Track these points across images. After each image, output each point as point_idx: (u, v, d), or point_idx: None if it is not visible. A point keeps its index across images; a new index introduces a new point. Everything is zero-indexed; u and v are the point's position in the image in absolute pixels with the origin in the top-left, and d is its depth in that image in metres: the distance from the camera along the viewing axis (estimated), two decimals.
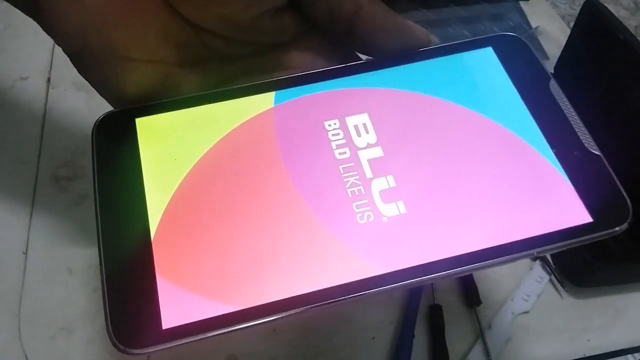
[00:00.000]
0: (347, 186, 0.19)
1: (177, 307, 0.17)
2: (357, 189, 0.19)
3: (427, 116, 0.21)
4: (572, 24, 0.41)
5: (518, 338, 0.34)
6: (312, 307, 0.17)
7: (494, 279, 0.36)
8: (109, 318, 0.17)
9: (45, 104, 0.41)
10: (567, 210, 0.19)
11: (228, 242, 0.18)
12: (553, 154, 0.20)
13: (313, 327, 0.33)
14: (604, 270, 0.34)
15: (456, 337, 0.33)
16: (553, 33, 0.49)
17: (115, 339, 0.16)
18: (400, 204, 0.19)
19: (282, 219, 0.19)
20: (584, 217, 0.19)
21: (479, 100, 0.21)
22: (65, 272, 0.34)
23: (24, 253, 0.35)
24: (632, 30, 0.36)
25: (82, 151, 0.39)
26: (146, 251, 0.18)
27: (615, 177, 0.19)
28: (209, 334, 0.17)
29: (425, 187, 0.19)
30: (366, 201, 0.19)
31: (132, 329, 0.17)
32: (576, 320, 0.35)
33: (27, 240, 0.35)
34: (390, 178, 0.19)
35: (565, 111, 0.21)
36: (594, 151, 0.20)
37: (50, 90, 0.42)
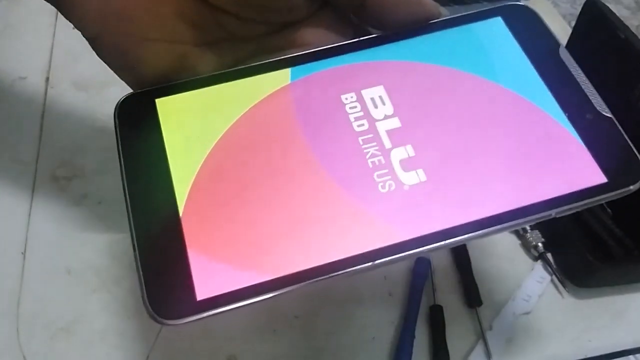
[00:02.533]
0: (367, 157, 0.20)
1: (209, 278, 0.17)
2: (378, 159, 0.20)
3: (441, 86, 0.21)
4: (573, 23, 0.41)
5: (519, 339, 0.34)
6: (340, 274, 0.18)
7: (495, 280, 0.36)
8: (144, 291, 0.17)
9: (44, 104, 0.41)
10: (582, 171, 0.19)
11: (254, 214, 0.19)
12: (566, 118, 0.20)
13: (313, 327, 0.33)
14: (605, 270, 0.34)
15: (457, 338, 0.33)
16: (554, 32, 0.49)
17: (152, 311, 0.17)
18: (420, 172, 0.19)
19: (307, 191, 0.19)
20: (598, 177, 0.19)
21: (491, 68, 0.22)
22: (64, 272, 0.34)
23: (22, 253, 0.35)
24: (633, 29, 0.36)
25: (81, 151, 0.39)
26: (176, 226, 0.18)
27: (627, 138, 0.20)
28: (242, 303, 0.17)
29: (443, 154, 0.20)
30: (387, 170, 0.19)
31: (168, 301, 0.17)
32: (577, 320, 0.35)
33: (26, 240, 0.35)
34: (409, 147, 0.20)
35: (575, 76, 0.21)
36: (605, 113, 0.20)
37: (49, 89, 0.42)
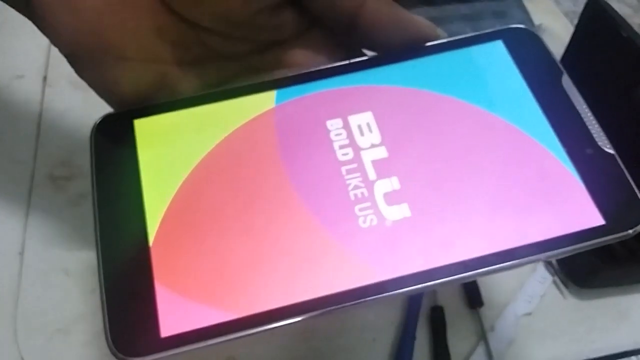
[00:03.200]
0: (349, 188, 0.19)
1: (176, 314, 0.17)
2: (360, 192, 0.19)
3: (434, 114, 0.20)
4: (575, 21, 0.41)
5: (521, 340, 0.33)
6: (313, 315, 0.17)
7: (496, 281, 0.36)
8: (107, 326, 0.16)
9: (42, 103, 0.41)
10: (579, 212, 0.18)
11: (228, 248, 0.18)
12: (565, 153, 0.19)
13: (313, 328, 0.33)
14: (607, 271, 0.34)
15: (458, 339, 0.33)
16: (556, 31, 0.49)
17: (113, 347, 0.16)
18: (405, 206, 0.18)
19: (283, 224, 0.18)
20: (596, 219, 0.18)
21: (488, 97, 0.20)
22: (61, 273, 0.34)
23: (20, 254, 0.34)
24: (635, 27, 0.35)
25: (78, 150, 0.39)
26: (144, 257, 0.17)
27: (629, 178, 0.19)
28: (208, 342, 0.16)
29: (431, 189, 0.19)
30: (369, 204, 0.18)
31: (131, 337, 0.16)
32: (580, 321, 0.35)
33: (23, 240, 0.35)
34: (395, 180, 0.19)
35: (577, 108, 0.20)
36: (607, 150, 0.19)
37: (46, 88, 0.42)
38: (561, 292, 0.35)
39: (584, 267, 0.34)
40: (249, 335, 0.16)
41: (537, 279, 0.35)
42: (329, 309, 0.17)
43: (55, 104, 0.41)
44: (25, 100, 0.41)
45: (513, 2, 0.50)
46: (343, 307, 0.17)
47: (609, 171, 0.19)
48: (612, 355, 0.33)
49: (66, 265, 0.34)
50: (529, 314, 0.34)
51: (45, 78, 0.42)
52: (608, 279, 0.35)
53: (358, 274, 0.17)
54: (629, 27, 0.35)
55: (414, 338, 0.32)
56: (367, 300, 0.17)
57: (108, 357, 0.31)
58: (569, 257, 0.36)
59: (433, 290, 0.34)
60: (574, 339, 0.34)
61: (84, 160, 0.40)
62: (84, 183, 0.37)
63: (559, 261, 0.36)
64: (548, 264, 0.36)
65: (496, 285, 0.35)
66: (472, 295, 0.34)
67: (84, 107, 0.40)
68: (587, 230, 0.18)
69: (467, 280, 0.18)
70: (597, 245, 0.18)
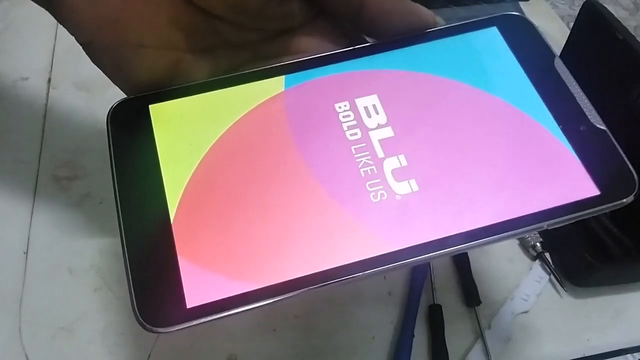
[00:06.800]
0: (359, 166, 0.20)
1: (199, 286, 0.17)
2: (370, 169, 0.20)
3: (435, 95, 0.21)
4: (571, 24, 0.41)
5: (518, 338, 0.34)
6: (330, 283, 0.18)
7: (493, 279, 0.36)
8: (134, 299, 0.17)
9: (46, 104, 0.41)
10: (575, 183, 0.19)
11: (245, 223, 0.19)
12: (560, 130, 0.20)
13: (313, 326, 0.33)
14: (603, 270, 0.34)
15: (456, 337, 0.33)
16: (552, 33, 0.49)
17: (141, 319, 0.17)
18: (412, 182, 0.19)
19: (297, 200, 0.19)
20: (591, 189, 0.19)
21: (485, 78, 0.21)
22: (65, 271, 0.34)
23: (24, 253, 0.35)
24: (631, 30, 0.36)
25: (82, 151, 0.39)
26: (167, 233, 0.18)
27: (621, 151, 0.20)
28: (232, 312, 0.17)
29: (436, 165, 0.20)
30: (379, 180, 0.19)
31: (157, 309, 0.17)
32: (576, 320, 0.35)
33: (28, 240, 0.35)
34: (402, 157, 0.20)
35: (570, 88, 0.21)
36: (599, 126, 0.20)
37: (50, 90, 0.42)
38: (557, 291, 0.36)
39: (580, 266, 0.35)
40: (269, 304, 0.17)
41: (534, 278, 0.36)
42: (343, 278, 0.18)
43: (60, 106, 0.41)
44: (30, 102, 0.41)
45: (510, 5, 0.50)
46: (357, 276, 0.18)
47: (601, 146, 0.20)
48: (607, 353, 0.33)
49: (70, 264, 0.34)
50: (526, 312, 0.35)
51: (49, 80, 0.43)
52: (604, 278, 0.35)
53: (371, 245, 0.18)
54: (624, 29, 0.35)
55: (412, 336, 0.33)
56: (379, 270, 0.18)
57: (111, 355, 0.32)
58: (566, 256, 0.36)
59: (432, 289, 0.35)
60: (570, 337, 0.34)
61: (88, 161, 0.40)
62: (88, 183, 0.38)
63: (555, 260, 0.36)
64: (544, 263, 0.36)
65: (493, 284, 0.36)
66: (469, 293, 0.35)
67: (87, 108, 0.41)
68: (583, 200, 0.19)
69: (472, 249, 0.19)
70: (594, 213, 0.19)
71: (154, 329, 0.17)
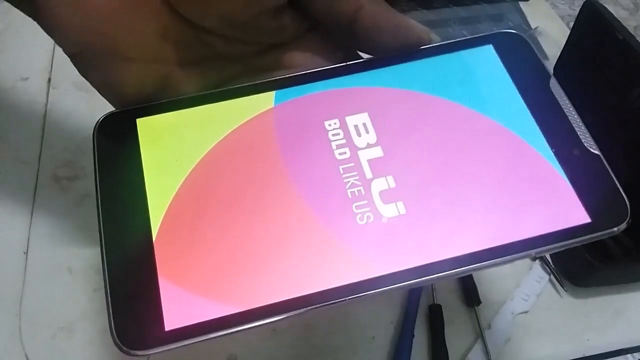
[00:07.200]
0: (347, 187, 0.19)
1: (179, 308, 0.17)
2: (357, 190, 0.19)
3: (427, 115, 0.21)
4: (571, 24, 0.41)
5: (518, 338, 0.34)
6: (313, 308, 0.17)
7: (493, 279, 0.36)
8: (111, 319, 0.17)
9: (46, 104, 0.41)
10: (566, 210, 0.19)
11: (229, 243, 0.18)
12: (552, 153, 0.20)
13: (313, 326, 0.33)
14: (603, 270, 0.34)
15: (456, 337, 0.33)
16: (552, 33, 0.49)
17: (118, 340, 0.17)
18: (400, 204, 0.19)
19: (283, 220, 0.19)
20: (582, 217, 0.19)
21: (479, 98, 0.21)
22: (65, 271, 0.34)
23: (24, 253, 0.35)
24: (631, 30, 0.36)
25: (82, 151, 0.39)
26: (148, 252, 0.18)
27: (614, 177, 0.19)
28: (211, 336, 0.17)
29: (425, 187, 0.19)
30: (366, 202, 0.19)
31: (135, 331, 0.17)
32: (575, 320, 0.35)
33: (28, 240, 0.35)
34: (390, 178, 0.19)
35: (565, 110, 0.21)
36: (593, 150, 0.20)
37: (50, 90, 0.42)
38: (557, 291, 0.36)
39: (580, 266, 0.35)
40: (251, 328, 0.17)
41: (534, 278, 0.36)
42: (328, 303, 0.17)
43: (60, 106, 0.41)
44: (30, 102, 0.41)
45: (510, 5, 0.51)
46: (342, 301, 0.17)
47: (594, 171, 0.19)
48: (607, 353, 0.34)
49: (70, 264, 0.34)
50: (526, 312, 0.35)
51: (49, 80, 0.43)
52: (604, 278, 0.35)
53: (356, 269, 0.18)
54: (624, 29, 0.35)
55: (412, 336, 0.33)
56: (364, 295, 0.17)
57: (111, 355, 0.31)
58: (566, 256, 0.36)
59: (431, 289, 0.35)
60: (570, 337, 0.34)
61: (88, 161, 0.40)
62: (88, 183, 0.38)
63: (555, 260, 0.36)
64: (544, 263, 0.36)
65: (493, 284, 0.36)
66: (469, 293, 0.35)
67: (87, 108, 0.41)
68: (574, 227, 0.18)
69: (459, 276, 0.18)
70: (584, 242, 0.18)
71: (131, 351, 0.16)
